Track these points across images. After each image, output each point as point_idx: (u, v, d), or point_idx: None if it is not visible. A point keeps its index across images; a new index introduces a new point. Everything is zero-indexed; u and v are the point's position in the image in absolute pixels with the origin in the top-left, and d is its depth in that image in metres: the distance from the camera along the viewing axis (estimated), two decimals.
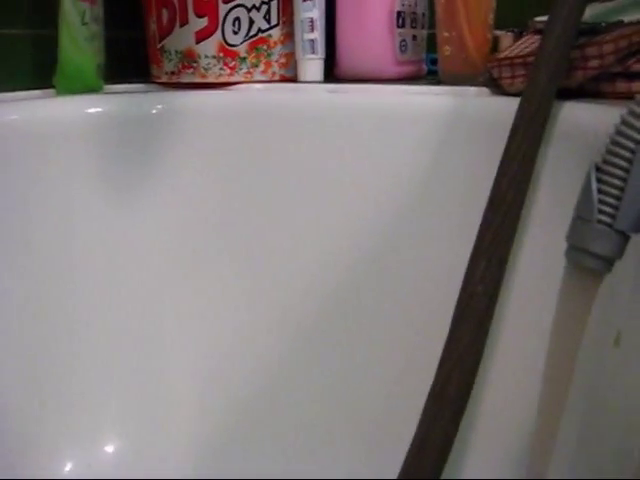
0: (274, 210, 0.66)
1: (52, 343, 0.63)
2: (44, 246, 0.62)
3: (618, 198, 0.36)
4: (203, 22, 0.68)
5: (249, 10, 0.69)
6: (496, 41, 0.71)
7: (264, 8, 0.69)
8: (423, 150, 0.62)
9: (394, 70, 0.70)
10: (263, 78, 0.70)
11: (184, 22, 0.69)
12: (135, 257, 0.66)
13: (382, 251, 0.63)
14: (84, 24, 0.67)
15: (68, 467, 0.62)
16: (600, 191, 0.36)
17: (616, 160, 0.36)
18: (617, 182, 0.36)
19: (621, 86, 0.56)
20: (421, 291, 0.61)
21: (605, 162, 0.36)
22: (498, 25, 0.69)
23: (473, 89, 0.63)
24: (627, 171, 0.36)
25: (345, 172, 0.64)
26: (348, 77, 0.70)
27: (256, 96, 0.68)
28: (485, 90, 0.62)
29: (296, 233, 0.66)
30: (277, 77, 0.71)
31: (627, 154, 0.36)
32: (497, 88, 0.62)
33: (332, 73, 0.72)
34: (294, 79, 0.71)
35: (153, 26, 0.71)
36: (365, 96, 0.64)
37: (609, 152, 0.36)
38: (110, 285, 0.66)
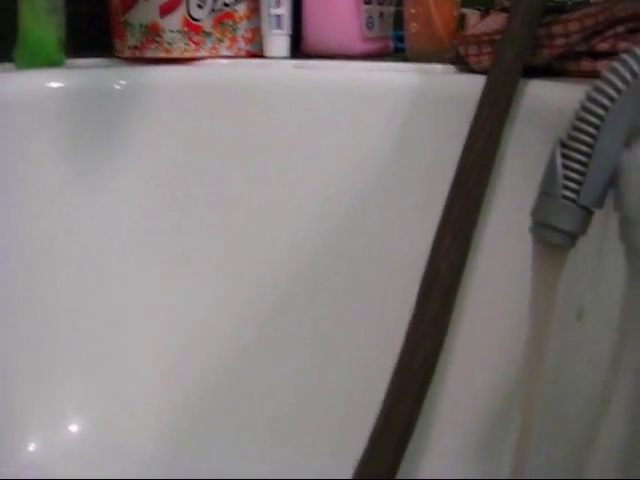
0: (241, 185, 0.65)
1: (13, 323, 0.62)
2: (3, 225, 0.60)
3: (582, 174, 0.36)
4: None
5: None
6: (463, 19, 0.71)
7: None
8: (389, 126, 0.61)
9: (360, 47, 0.70)
10: (229, 53, 0.69)
11: None
12: (99, 234, 0.65)
13: (349, 226, 0.63)
14: None
15: (32, 447, 0.61)
16: (565, 167, 0.37)
17: (580, 136, 0.36)
18: (581, 158, 0.36)
19: (586, 65, 0.57)
20: (387, 267, 0.61)
21: (570, 138, 0.37)
22: (465, 3, 0.69)
23: (440, 66, 0.63)
24: (591, 147, 0.36)
25: (310, 147, 0.64)
26: (314, 53, 0.70)
27: (221, 71, 0.67)
28: (452, 67, 0.62)
29: (263, 207, 0.65)
30: (243, 53, 0.70)
31: (591, 130, 0.36)
32: (464, 65, 0.62)
33: (299, 49, 0.71)
34: (260, 54, 0.70)
35: None
36: (331, 72, 0.64)
37: (574, 128, 0.36)
38: (74, 262, 0.65)
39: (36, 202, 0.62)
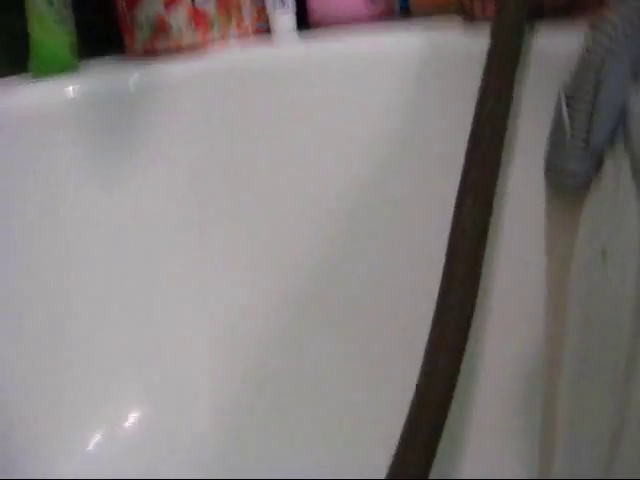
0: (263, 167, 0.67)
1: (60, 320, 0.64)
2: (36, 236, 0.62)
3: (589, 117, 0.36)
4: None
5: None
6: None
7: None
8: (402, 90, 0.62)
9: (366, 11, 0.70)
10: (237, 35, 0.70)
11: None
12: (132, 233, 0.67)
13: (371, 195, 0.63)
14: (51, 6, 0.66)
15: (93, 443, 0.64)
16: (571, 115, 0.37)
17: (583, 84, 0.36)
18: (586, 105, 0.36)
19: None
20: (413, 233, 0.61)
21: (574, 85, 0.37)
22: None
23: (446, 21, 0.62)
24: (596, 92, 0.36)
25: (328, 119, 0.65)
26: (321, 23, 0.70)
27: (232, 56, 0.68)
28: (458, 20, 0.62)
29: (287, 188, 0.66)
30: (251, 32, 0.71)
31: (593, 76, 0.36)
32: (469, 16, 0.61)
33: (305, 19, 0.72)
34: (268, 30, 0.71)
35: None
36: (338, 43, 0.64)
37: (576, 75, 0.36)
38: (112, 262, 0.67)
39: (63, 207, 0.64)
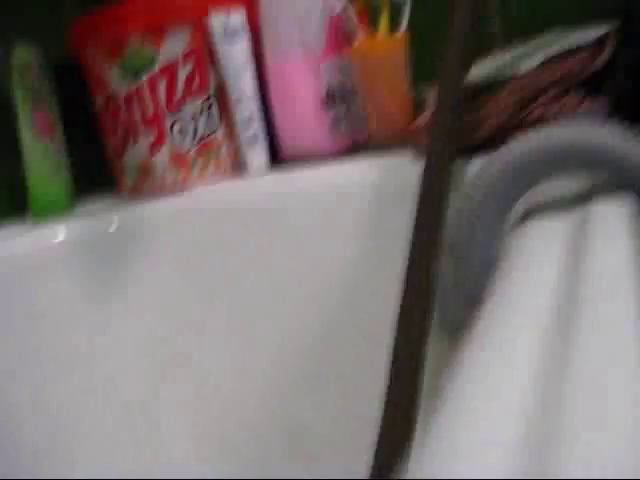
0: (237, 294, 0.73)
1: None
2: (35, 365, 0.69)
3: (467, 267, 0.40)
4: (153, 136, 0.75)
5: (193, 117, 0.76)
6: (424, 103, 0.75)
7: (206, 113, 0.76)
8: (365, 216, 0.68)
9: (332, 147, 0.75)
10: (215, 176, 0.76)
11: (136, 138, 0.75)
12: (128, 354, 0.73)
13: (344, 313, 0.69)
14: (47, 159, 0.74)
15: None
16: (448, 262, 0.41)
17: (458, 234, 0.40)
18: (461, 254, 0.40)
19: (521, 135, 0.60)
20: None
21: (451, 235, 0.41)
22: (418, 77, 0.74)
23: (402, 156, 0.68)
24: (470, 239, 0.40)
25: (298, 245, 0.71)
26: (290, 157, 0.76)
27: (208, 194, 0.74)
28: (413, 156, 0.67)
29: (260, 310, 0.73)
30: (228, 173, 0.77)
31: (466, 226, 0.40)
32: (419, 149, 0.66)
33: (276, 155, 0.78)
34: (243, 170, 0.77)
35: (111, 144, 0.78)
36: (305, 177, 0.71)
37: (452, 226, 0.41)
38: (111, 379, 0.73)
39: (66, 343, 0.71)
